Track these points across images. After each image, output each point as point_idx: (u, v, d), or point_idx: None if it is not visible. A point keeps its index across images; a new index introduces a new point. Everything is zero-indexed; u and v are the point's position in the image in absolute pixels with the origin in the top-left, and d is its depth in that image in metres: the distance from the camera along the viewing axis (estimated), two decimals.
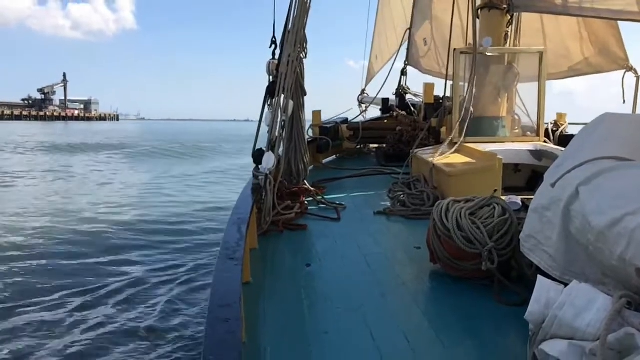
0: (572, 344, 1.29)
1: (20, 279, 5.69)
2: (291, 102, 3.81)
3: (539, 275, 1.55)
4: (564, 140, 5.29)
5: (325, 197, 4.23)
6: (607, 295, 1.34)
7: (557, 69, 5.80)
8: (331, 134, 6.65)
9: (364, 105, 10.11)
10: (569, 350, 1.28)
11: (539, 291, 1.45)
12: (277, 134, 3.63)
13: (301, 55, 4.02)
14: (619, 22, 5.29)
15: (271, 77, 3.91)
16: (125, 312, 4.84)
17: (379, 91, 9.22)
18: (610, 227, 1.45)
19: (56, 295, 5.27)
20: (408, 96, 9.07)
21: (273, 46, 4.03)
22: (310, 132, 6.53)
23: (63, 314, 4.77)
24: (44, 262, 6.41)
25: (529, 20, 5.64)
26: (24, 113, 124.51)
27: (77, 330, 4.45)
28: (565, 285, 1.46)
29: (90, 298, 5.23)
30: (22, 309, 4.84)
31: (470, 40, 5.00)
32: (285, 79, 3.67)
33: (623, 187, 1.58)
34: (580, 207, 1.65)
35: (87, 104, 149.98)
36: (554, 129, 5.77)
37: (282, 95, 3.70)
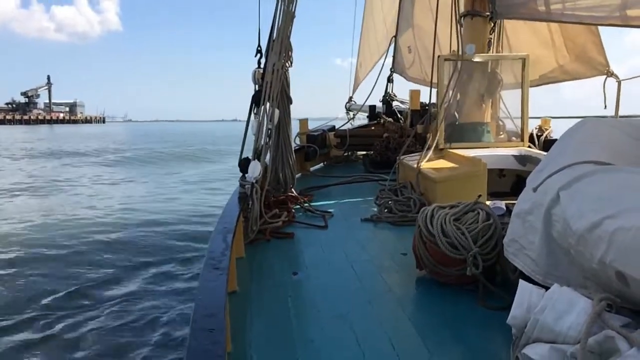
0: (554, 347, 1.30)
1: None
2: (277, 111, 3.82)
3: (520, 280, 1.57)
4: (549, 145, 5.33)
5: (313, 204, 4.24)
6: (587, 298, 1.35)
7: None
8: (318, 141, 6.67)
9: (351, 113, 10.16)
10: (551, 353, 1.29)
11: (520, 295, 1.47)
12: (262, 142, 3.64)
13: (286, 64, 4.03)
14: (600, 28, 5.36)
15: (257, 86, 3.92)
16: (107, 320, 4.79)
17: (367, 99, 9.27)
18: (590, 231, 1.47)
19: (38, 302, 5.23)
20: (395, 103, 9.13)
21: (258, 55, 4.04)
22: (298, 140, 6.53)
23: (48, 327, 4.72)
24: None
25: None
26: (8, 117, 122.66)
27: (58, 339, 4.41)
28: (547, 289, 1.47)
29: (72, 304, 5.20)
30: None
31: (454, 47, 5.06)
32: (271, 88, 3.68)
33: (602, 190, 1.60)
34: (561, 212, 1.67)
35: (73, 107, 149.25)
36: (539, 133, 5.83)
37: (268, 104, 3.71)
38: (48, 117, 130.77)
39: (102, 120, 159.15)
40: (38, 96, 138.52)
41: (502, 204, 2.91)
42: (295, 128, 5.71)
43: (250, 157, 3.55)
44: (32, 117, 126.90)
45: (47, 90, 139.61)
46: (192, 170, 19.86)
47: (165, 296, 5.56)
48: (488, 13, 4.94)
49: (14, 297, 5.55)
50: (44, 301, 5.44)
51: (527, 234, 1.87)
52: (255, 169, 3.40)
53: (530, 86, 5.71)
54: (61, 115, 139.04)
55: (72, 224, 9.34)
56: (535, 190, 1.87)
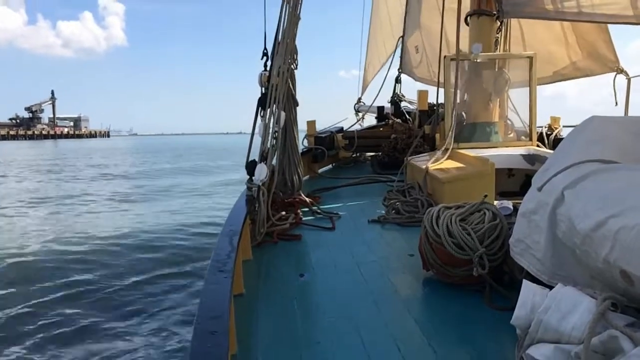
0: (558, 347, 1.29)
1: None
2: (283, 113, 3.83)
3: (524, 280, 1.56)
4: (558, 144, 5.29)
5: (321, 206, 4.23)
6: (591, 298, 1.34)
7: (541, 74, 5.52)
8: (327, 143, 6.66)
9: (360, 114, 10.16)
10: (555, 354, 1.28)
11: (524, 295, 1.46)
12: (269, 145, 3.65)
13: (292, 66, 4.04)
14: (609, 25, 5.31)
15: (263, 89, 3.92)
16: (112, 320, 4.83)
17: (374, 99, 9.28)
18: (595, 230, 1.46)
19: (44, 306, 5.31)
20: (403, 104, 9.11)
21: (265, 58, 4.05)
22: (306, 142, 6.53)
23: (50, 332, 4.77)
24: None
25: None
26: (11, 132, 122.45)
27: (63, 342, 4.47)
28: (552, 289, 1.46)
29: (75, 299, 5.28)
30: None
31: (460, 47, 5.04)
32: (277, 90, 3.69)
33: (608, 189, 1.58)
34: (566, 211, 1.65)
35: (77, 121, 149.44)
36: (548, 132, 5.79)
37: (274, 106, 3.72)
38: (52, 132, 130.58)
39: (107, 135, 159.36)
40: (42, 111, 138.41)
41: (509, 203, 2.89)
42: (302, 131, 5.71)
43: (257, 160, 3.56)
44: (36, 132, 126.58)
45: (51, 105, 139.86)
46: None
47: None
48: (495, 12, 4.91)
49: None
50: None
51: (533, 233, 1.86)
52: (261, 172, 3.40)
53: (544, 83, 5.69)
54: (65, 130, 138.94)
55: None
56: (540, 189, 1.86)
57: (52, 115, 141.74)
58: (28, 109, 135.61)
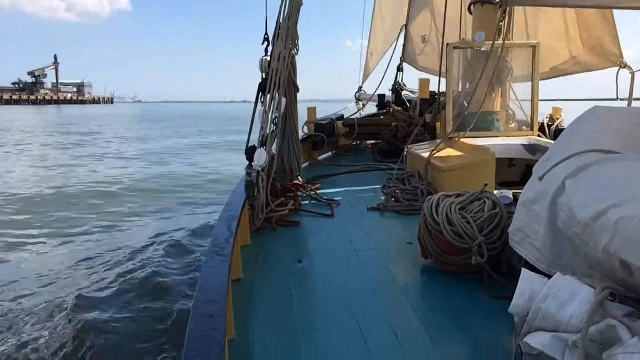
0: (555, 336, 1.29)
1: None
2: (284, 99, 3.80)
3: (523, 269, 1.55)
4: (559, 134, 5.25)
5: (320, 193, 4.23)
6: (590, 287, 1.34)
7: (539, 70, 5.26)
8: (327, 130, 6.63)
9: (361, 102, 10.11)
10: (552, 342, 1.28)
11: (523, 284, 1.45)
12: (269, 130, 3.62)
13: (293, 51, 4.00)
14: (616, 19, 5.23)
15: (264, 74, 3.89)
16: (110, 303, 4.83)
17: (377, 89, 9.23)
18: (595, 220, 1.45)
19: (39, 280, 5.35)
20: (404, 92, 9.07)
21: (266, 43, 4.00)
22: (306, 129, 6.51)
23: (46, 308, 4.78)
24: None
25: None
26: (14, 97, 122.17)
27: (59, 323, 4.47)
28: (551, 278, 1.45)
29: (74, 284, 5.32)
30: None
31: (463, 35, 5.00)
32: (277, 76, 3.66)
33: (608, 179, 1.57)
34: (566, 200, 1.65)
35: (80, 87, 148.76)
36: (550, 123, 5.76)
37: (275, 92, 3.69)
38: (55, 98, 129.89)
39: (111, 101, 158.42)
40: (45, 76, 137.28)
41: (509, 193, 2.89)
42: (303, 116, 5.67)
43: (256, 145, 3.54)
44: (39, 97, 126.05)
45: (54, 70, 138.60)
46: None
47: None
48: (498, 0, 4.86)
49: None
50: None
51: (532, 223, 1.85)
52: (261, 157, 3.39)
53: (542, 79, 5.61)
54: (69, 95, 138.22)
55: None
56: (541, 179, 1.84)
57: (55, 81, 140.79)
58: (31, 73, 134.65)
